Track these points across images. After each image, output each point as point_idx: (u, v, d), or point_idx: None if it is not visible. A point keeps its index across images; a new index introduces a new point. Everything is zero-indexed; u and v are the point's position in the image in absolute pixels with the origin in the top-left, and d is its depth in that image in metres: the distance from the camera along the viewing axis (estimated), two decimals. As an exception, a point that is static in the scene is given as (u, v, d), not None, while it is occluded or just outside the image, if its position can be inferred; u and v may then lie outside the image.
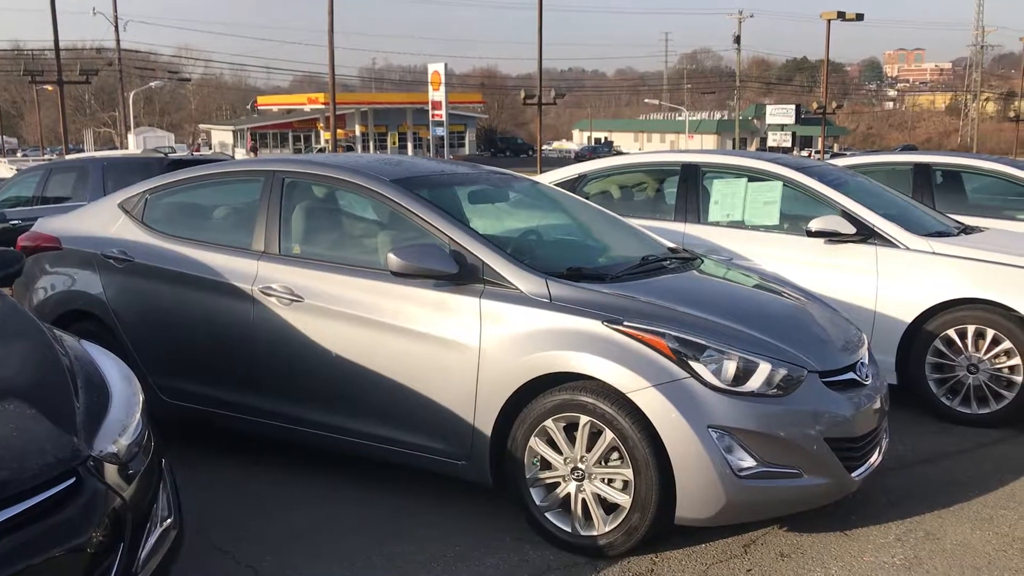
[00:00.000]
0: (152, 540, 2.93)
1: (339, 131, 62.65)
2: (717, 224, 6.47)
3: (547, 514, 3.85)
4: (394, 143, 68.00)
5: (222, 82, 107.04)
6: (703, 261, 4.83)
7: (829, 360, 3.93)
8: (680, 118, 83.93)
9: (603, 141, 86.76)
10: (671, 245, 5.08)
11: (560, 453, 3.81)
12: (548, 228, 4.90)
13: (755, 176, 6.48)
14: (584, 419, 3.72)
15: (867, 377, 4.08)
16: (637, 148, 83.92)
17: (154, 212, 5.08)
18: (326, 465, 4.66)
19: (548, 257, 4.38)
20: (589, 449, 3.75)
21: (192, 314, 4.70)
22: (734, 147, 65.67)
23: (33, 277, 5.35)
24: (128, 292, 4.93)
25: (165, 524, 3.04)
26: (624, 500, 3.68)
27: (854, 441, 3.88)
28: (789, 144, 64.76)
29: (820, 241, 6.01)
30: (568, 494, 3.81)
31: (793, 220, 6.26)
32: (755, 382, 3.66)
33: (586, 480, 3.76)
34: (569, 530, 3.81)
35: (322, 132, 64.17)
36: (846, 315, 5.62)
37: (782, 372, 3.70)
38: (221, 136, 71.08)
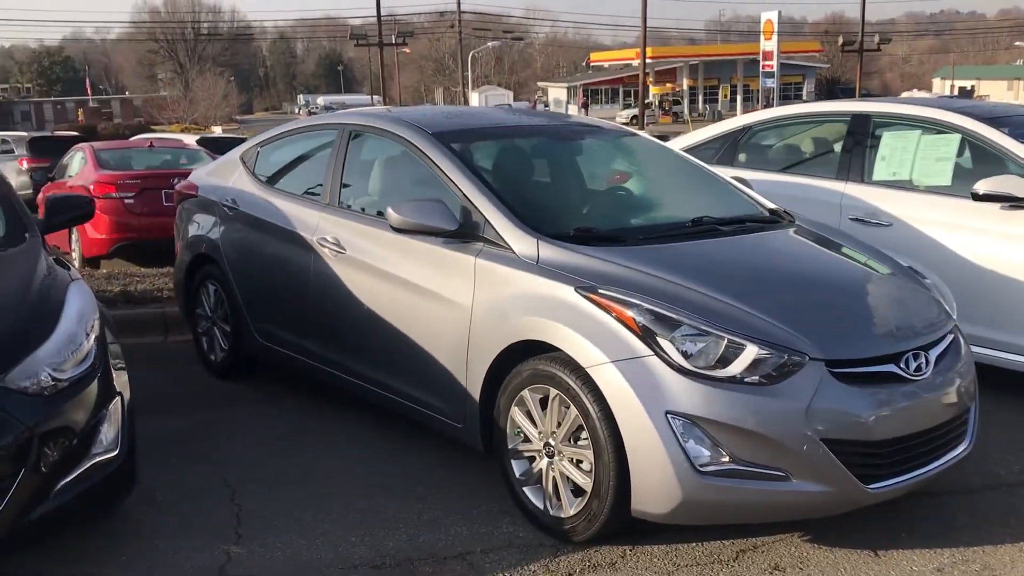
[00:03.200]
0: (80, 470, 3.17)
1: (667, 85, 62.25)
2: (882, 184, 5.62)
3: (524, 488, 3.64)
4: (725, 96, 66.17)
5: (566, 40, 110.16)
6: (793, 225, 4.26)
7: (852, 348, 3.30)
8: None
9: (967, 90, 78.13)
10: (771, 206, 4.52)
11: (536, 426, 3.57)
12: (604, 184, 4.54)
13: (930, 127, 5.54)
14: (553, 392, 3.45)
15: (920, 371, 3.38)
16: (1011, 98, 74.52)
17: (262, 163, 5.39)
18: (369, 416, 4.71)
19: (570, 217, 4.07)
20: (559, 425, 3.47)
21: (275, 261, 4.95)
22: None
23: (181, 222, 5.92)
24: (235, 239, 5.30)
25: (104, 457, 3.26)
26: (587, 484, 3.38)
27: (874, 446, 3.24)
28: None
29: (995, 207, 5.02)
30: (540, 470, 3.57)
31: (971, 181, 5.27)
32: (737, 367, 3.17)
33: (556, 458, 3.50)
34: (541, 508, 3.57)
35: (651, 87, 64.00)
36: (1012, 293, 4.75)
37: (773, 358, 3.17)
38: (556, 93, 73.34)
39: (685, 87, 65.69)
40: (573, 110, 69.01)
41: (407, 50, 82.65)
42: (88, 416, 3.22)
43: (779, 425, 3.12)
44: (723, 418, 3.12)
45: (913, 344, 3.43)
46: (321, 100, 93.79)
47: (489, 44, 60.10)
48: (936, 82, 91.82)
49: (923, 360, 3.42)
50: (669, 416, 3.14)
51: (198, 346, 5.78)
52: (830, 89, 75.14)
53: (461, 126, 4.53)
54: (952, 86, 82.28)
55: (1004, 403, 5.02)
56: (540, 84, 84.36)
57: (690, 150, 6.69)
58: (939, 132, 5.48)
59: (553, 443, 3.50)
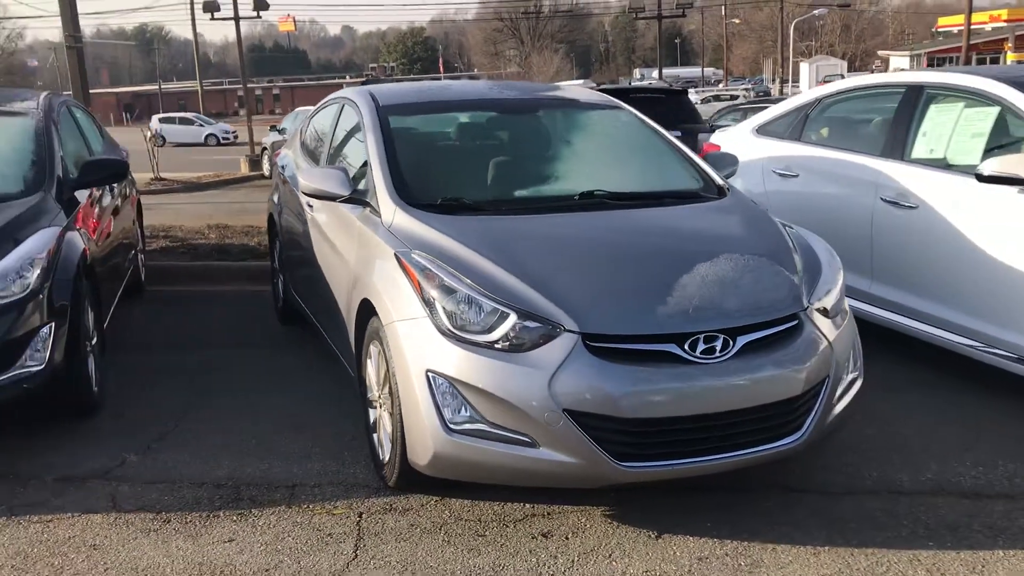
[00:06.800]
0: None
1: (1028, 51, 55.17)
2: (918, 163, 5.08)
3: (373, 435, 3.96)
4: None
5: (923, 4, 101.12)
6: (710, 201, 4.18)
7: (616, 324, 3.25)
8: None
9: None
10: (719, 183, 4.42)
11: (375, 378, 3.87)
12: (525, 157, 4.61)
13: (972, 99, 4.92)
14: (377, 347, 3.74)
15: (711, 354, 3.24)
16: None
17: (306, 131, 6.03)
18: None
19: (450, 187, 4.22)
20: (384, 378, 3.75)
21: (294, 220, 5.59)
22: None
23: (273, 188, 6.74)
24: (281, 201, 6.01)
25: (27, 371, 4.07)
26: (392, 433, 3.65)
27: (629, 424, 3.18)
28: None
29: (1013, 190, 4.43)
30: (375, 419, 3.88)
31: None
32: (496, 334, 3.28)
33: (382, 408, 3.79)
34: (378, 453, 3.88)
35: (1008, 52, 57.17)
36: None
37: (528, 327, 3.24)
38: (898, 62, 67.79)
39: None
40: (915, 81, 63.34)
41: (736, 20, 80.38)
42: (15, 336, 4.03)
43: (521, 392, 3.19)
44: (473, 380, 3.25)
45: (711, 326, 3.29)
46: (655, 74, 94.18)
47: (816, 11, 56.91)
48: None
49: (719, 343, 3.28)
50: (429, 374, 3.33)
51: (272, 294, 6.62)
52: None
53: (413, 99, 4.86)
54: None
55: (950, 417, 4.46)
56: (880, 53, 78.37)
57: (767, 124, 6.42)
58: (981, 104, 4.86)
59: (380, 394, 3.79)
